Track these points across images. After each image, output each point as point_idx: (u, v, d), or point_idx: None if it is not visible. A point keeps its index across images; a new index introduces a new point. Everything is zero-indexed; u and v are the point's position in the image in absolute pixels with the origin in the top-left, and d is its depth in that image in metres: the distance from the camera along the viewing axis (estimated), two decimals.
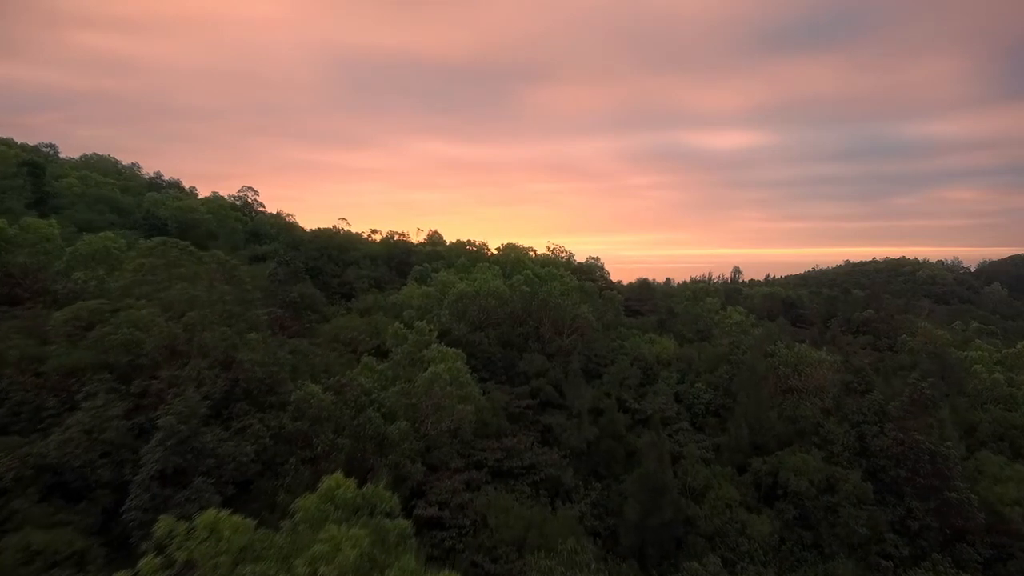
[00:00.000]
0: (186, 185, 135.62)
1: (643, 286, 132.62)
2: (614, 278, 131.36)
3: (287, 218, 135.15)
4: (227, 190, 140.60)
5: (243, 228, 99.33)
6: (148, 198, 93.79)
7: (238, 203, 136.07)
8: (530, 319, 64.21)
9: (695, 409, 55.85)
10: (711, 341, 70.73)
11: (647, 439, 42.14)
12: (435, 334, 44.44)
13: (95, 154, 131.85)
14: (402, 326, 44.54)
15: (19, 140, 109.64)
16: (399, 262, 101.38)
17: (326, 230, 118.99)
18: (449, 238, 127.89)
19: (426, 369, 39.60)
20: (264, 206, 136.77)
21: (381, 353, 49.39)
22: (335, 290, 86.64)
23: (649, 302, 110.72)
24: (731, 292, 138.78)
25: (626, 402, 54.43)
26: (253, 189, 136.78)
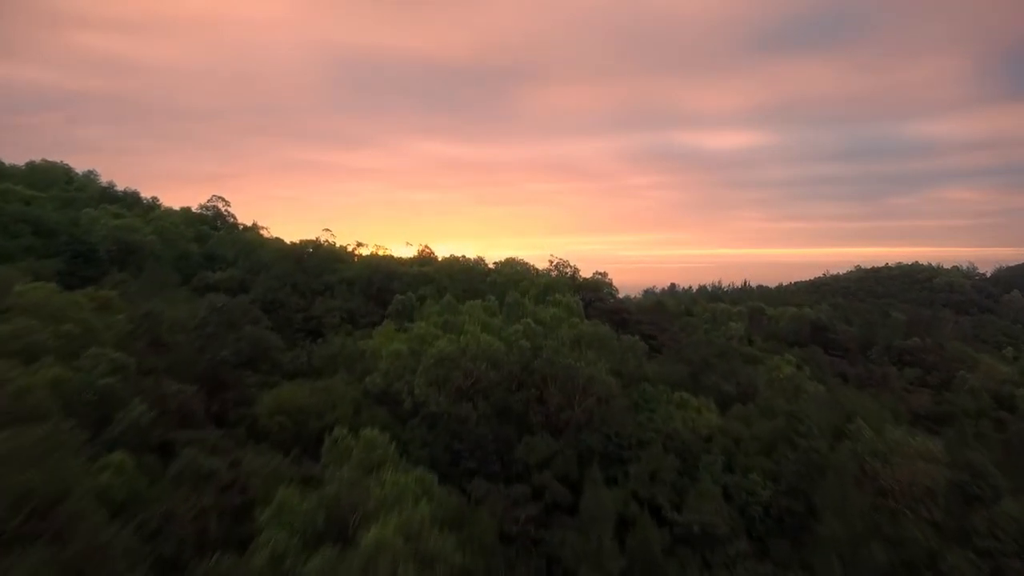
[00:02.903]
0: (178, 188, 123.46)
1: (658, 308, 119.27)
2: (616, 279, 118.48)
3: (261, 231, 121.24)
4: (226, 190, 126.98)
5: (198, 251, 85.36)
6: (84, 215, 79.91)
7: (208, 214, 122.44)
8: (531, 381, 50.51)
9: (750, 512, 42.12)
10: (756, 401, 56.87)
11: None
12: (392, 447, 30.55)
13: (45, 160, 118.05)
14: (346, 433, 30.66)
15: (17, 141, 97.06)
16: (379, 288, 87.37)
17: (306, 243, 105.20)
18: (446, 240, 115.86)
19: (376, 518, 25.79)
20: (235, 217, 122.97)
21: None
22: (299, 327, 72.97)
23: (667, 331, 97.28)
24: (754, 313, 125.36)
25: (661, 508, 40.71)
26: (224, 199, 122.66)
